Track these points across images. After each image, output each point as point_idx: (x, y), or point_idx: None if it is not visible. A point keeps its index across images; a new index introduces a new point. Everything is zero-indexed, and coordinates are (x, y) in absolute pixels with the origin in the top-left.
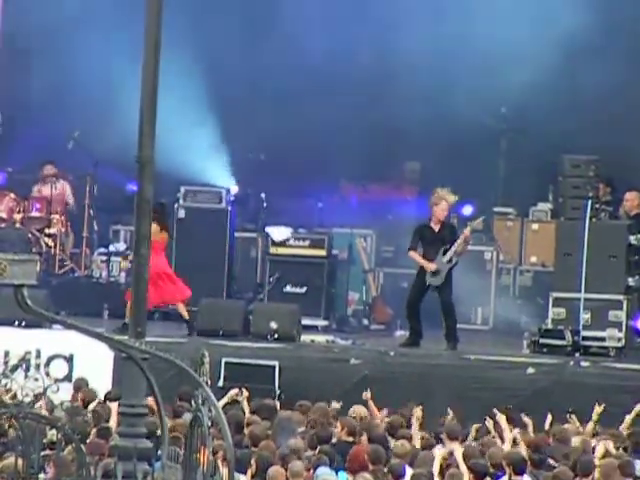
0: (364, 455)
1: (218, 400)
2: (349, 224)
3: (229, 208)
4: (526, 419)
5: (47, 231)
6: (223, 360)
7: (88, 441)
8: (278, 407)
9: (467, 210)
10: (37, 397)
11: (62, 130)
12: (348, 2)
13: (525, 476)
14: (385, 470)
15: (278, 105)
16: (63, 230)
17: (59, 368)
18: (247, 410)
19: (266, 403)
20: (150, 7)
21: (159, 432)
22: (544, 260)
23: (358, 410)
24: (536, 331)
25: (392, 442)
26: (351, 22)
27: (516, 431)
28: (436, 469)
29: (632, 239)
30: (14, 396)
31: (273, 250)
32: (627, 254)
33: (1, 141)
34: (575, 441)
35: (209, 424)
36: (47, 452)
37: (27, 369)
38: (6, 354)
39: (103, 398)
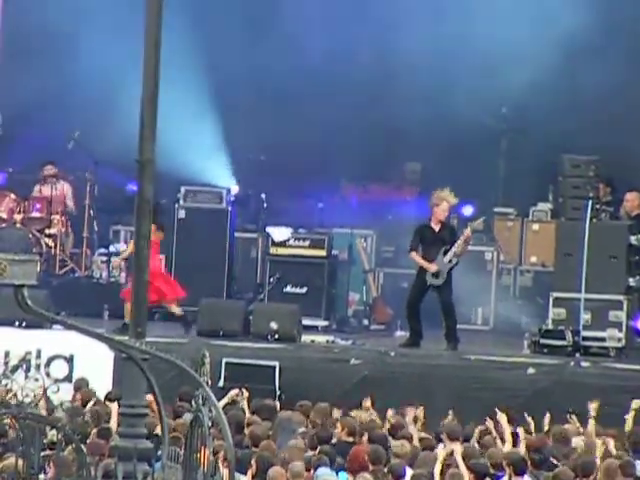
0: (364, 455)
1: (218, 400)
2: (349, 224)
3: (229, 208)
4: (529, 419)
5: (47, 231)
6: (223, 360)
7: (88, 441)
8: (278, 407)
9: (467, 210)
10: (37, 397)
11: (62, 130)
12: (348, 2)
13: (525, 476)
14: (385, 470)
15: (278, 105)
16: (63, 230)
17: (59, 368)
18: (247, 410)
19: (266, 403)
20: (150, 7)
21: (157, 431)
22: (544, 260)
23: (359, 416)
24: (536, 331)
25: (392, 442)
26: (351, 22)
27: (519, 430)
28: (437, 470)
29: (632, 239)
30: (14, 396)
31: (273, 250)
32: (627, 254)
33: (1, 141)
34: (578, 441)
35: (209, 424)
36: (47, 452)
37: (27, 369)
38: (6, 354)
39: (103, 398)
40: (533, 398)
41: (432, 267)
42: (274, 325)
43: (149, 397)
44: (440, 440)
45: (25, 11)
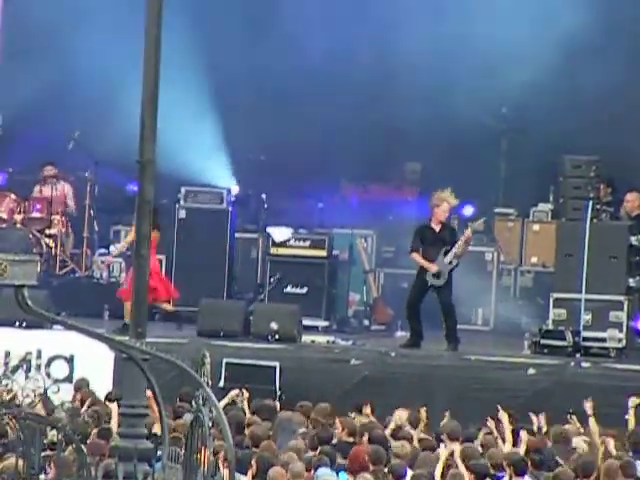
0: (364, 456)
1: (219, 401)
2: (350, 225)
3: (230, 208)
4: (533, 418)
5: (48, 232)
6: (224, 361)
7: (89, 442)
8: (278, 408)
9: (468, 211)
10: (36, 401)
11: (62, 130)
12: (348, 2)
13: (526, 477)
14: (386, 471)
15: (278, 105)
16: (64, 231)
17: (60, 369)
18: (248, 411)
19: (266, 404)
20: (150, 7)
21: (155, 429)
22: (545, 261)
23: (359, 420)
24: (537, 332)
25: (392, 443)
26: (351, 22)
27: (522, 433)
28: (439, 470)
29: (633, 240)
30: (15, 397)
31: (274, 250)
32: (628, 255)
33: (1, 141)
34: (578, 441)
35: (210, 425)
36: (48, 453)
37: (28, 370)
38: (7, 355)
39: (104, 399)
40: (533, 398)
41: (433, 267)
42: (274, 325)
43: (149, 393)
44: (441, 440)
45: (25, 11)
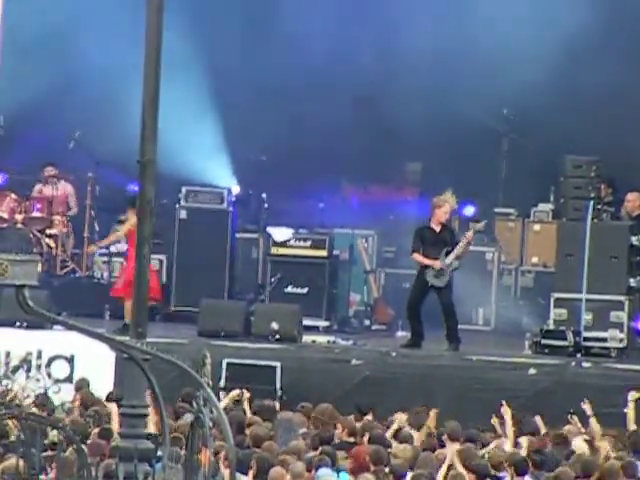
0: (365, 456)
1: (219, 401)
2: (350, 225)
3: (230, 208)
4: (537, 418)
5: (48, 231)
6: (224, 361)
7: (89, 442)
8: (279, 408)
9: (469, 211)
10: (38, 398)
11: (63, 130)
12: (348, 2)
13: (527, 477)
14: (386, 471)
15: (279, 105)
16: (64, 230)
17: (60, 369)
18: (248, 411)
19: (267, 404)
20: (150, 7)
21: (150, 429)
22: (545, 261)
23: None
24: (538, 332)
25: (393, 443)
26: (351, 22)
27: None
28: (443, 470)
29: (634, 240)
30: (15, 397)
31: (274, 251)
32: (629, 255)
33: (2, 141)
34: (579, 441)
35: (210, 425)
36: (48, 453)
37: (28, 370)
38: (7, 355)
39: (104, 399)
40: (534, 399)
41: (437, 263)
42: (275, 325)
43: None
44: (441, 441)
45: (25, 11)
